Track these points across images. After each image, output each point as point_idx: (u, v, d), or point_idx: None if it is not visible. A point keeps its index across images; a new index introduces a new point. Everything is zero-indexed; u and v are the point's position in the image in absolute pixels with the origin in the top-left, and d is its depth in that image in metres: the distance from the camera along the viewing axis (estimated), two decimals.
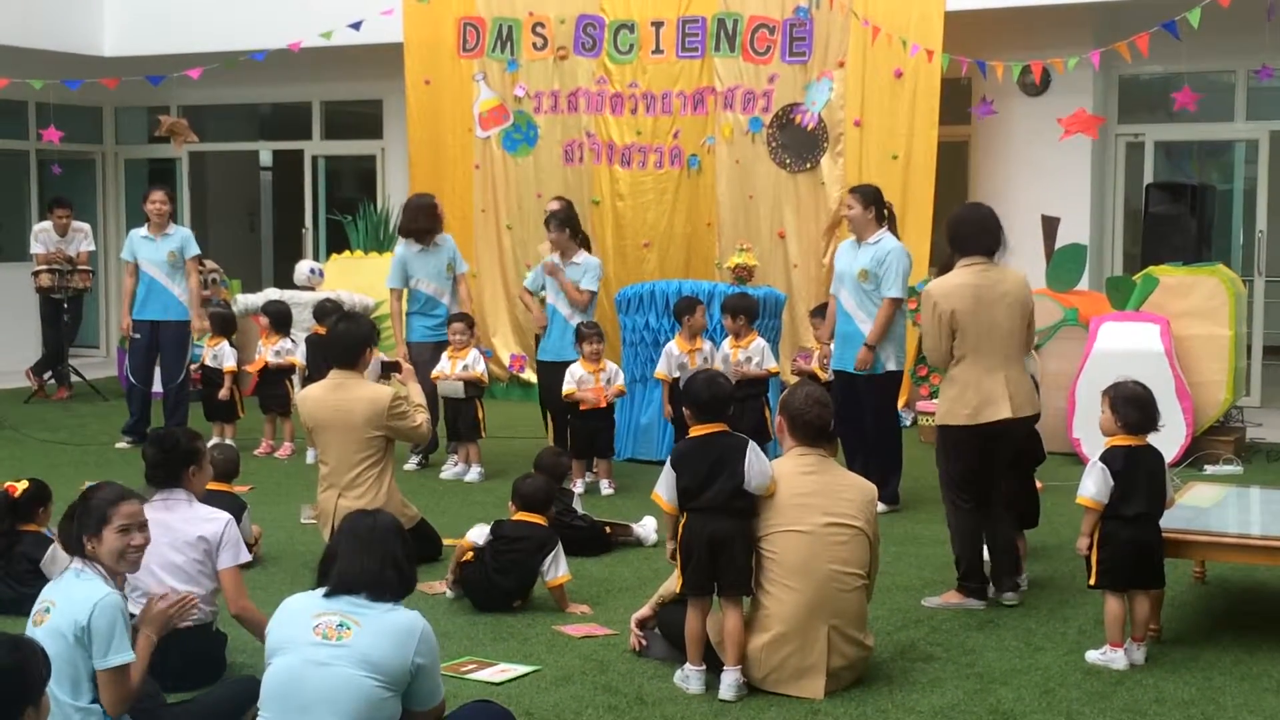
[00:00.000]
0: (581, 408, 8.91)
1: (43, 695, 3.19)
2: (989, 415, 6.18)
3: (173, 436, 5.34)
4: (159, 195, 10.47)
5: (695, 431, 5.34)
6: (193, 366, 10.70)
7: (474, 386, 9.35)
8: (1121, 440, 5.70)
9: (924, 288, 6.67)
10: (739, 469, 5.17)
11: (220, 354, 10.44)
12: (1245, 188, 13.44)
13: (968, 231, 6.36)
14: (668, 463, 5.32)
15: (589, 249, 9.82)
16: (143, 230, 10.53)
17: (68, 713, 4.18)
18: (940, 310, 6.24)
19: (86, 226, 13.42)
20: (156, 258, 10.42)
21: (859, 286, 8.18)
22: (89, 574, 4.35)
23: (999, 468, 6.33)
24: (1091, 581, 5.70)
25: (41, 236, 13.10)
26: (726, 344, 9.06)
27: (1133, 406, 5.71)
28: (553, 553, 6.26)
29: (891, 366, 8.22)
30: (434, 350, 9.61)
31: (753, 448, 5.25)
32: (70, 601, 4.25)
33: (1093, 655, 5.60)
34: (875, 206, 8.21)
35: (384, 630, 4.00)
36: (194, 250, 10.56)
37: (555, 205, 10.25)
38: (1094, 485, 5.63)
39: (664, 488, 5.29)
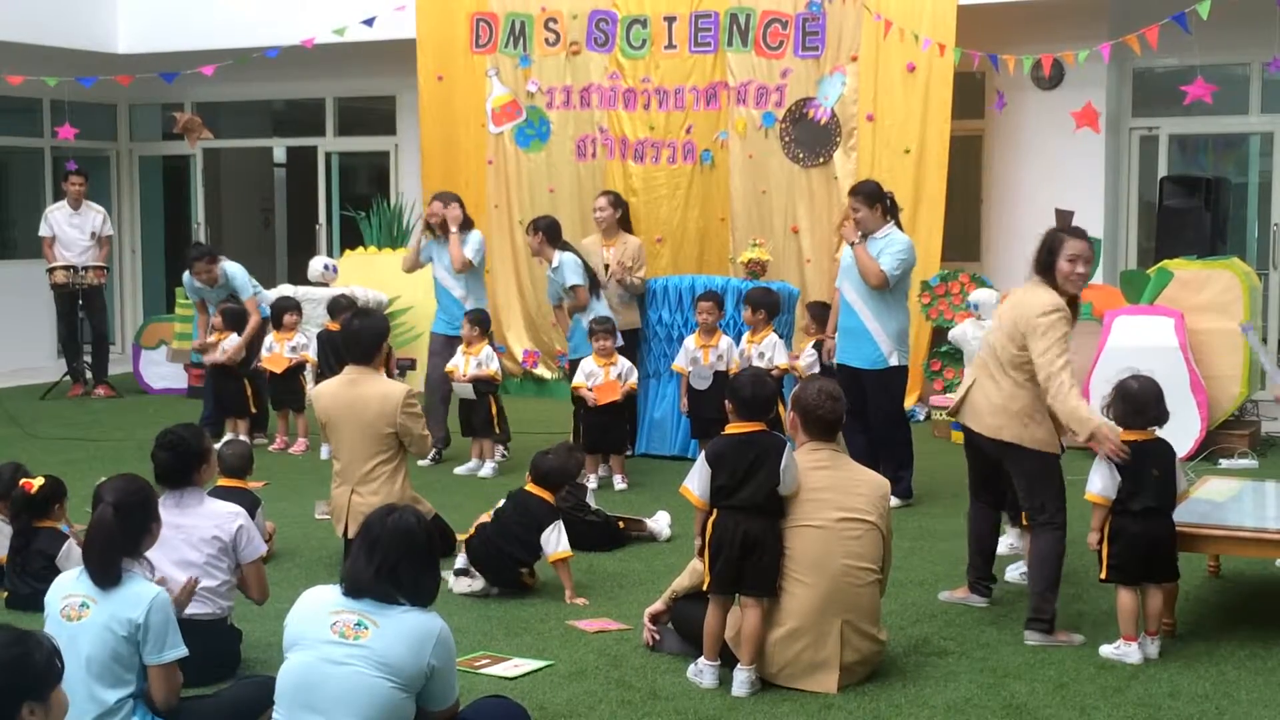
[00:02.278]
0: (598, 401, 8.90)
1: (52, 692, 3.16)
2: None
3: (182, 440, 5.36)
4: (204, 265, 10.61)
5: (733, 429, 5.33)
6: (206, 355, 10.73)
7: (487, 383, 9.36)
8: (1129, 435, 5.68)
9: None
10: (776, 469, 5.17)
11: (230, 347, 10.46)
12: (1260, 181, 13.38)
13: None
14: (701, 458, 5.30)
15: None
16: (197, 282, 10.74)
17: (105, 707, 4.23)
18: None
19: (104, 210, 13.45)
20: (218, 301, 10.74)
21: (862, 280, 8.18)
22: (133, 572, 4.39)
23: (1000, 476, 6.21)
24: (1103, 576, 5.70)
25: (51, 217, 13.08)
26: (744, 339, 9.07)
27: (1129, 402, 5.71)
28: (551, 527, 6.35)
29: (895, 361, 8.22)
30: (444, 342, 9.67)
31: (789, 449, 5.25)
32: (119, 599, 4.31)
33: (1106, 649, 5.60)
34: (880, 203, 8.23)
35: (401, 632, 4.00)
36: (248, 293, 10.80)
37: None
38: (1100, 481, 5.64)
39: (696, 483, 5.27)
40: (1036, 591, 5.83)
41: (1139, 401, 5.73)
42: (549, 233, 9.47)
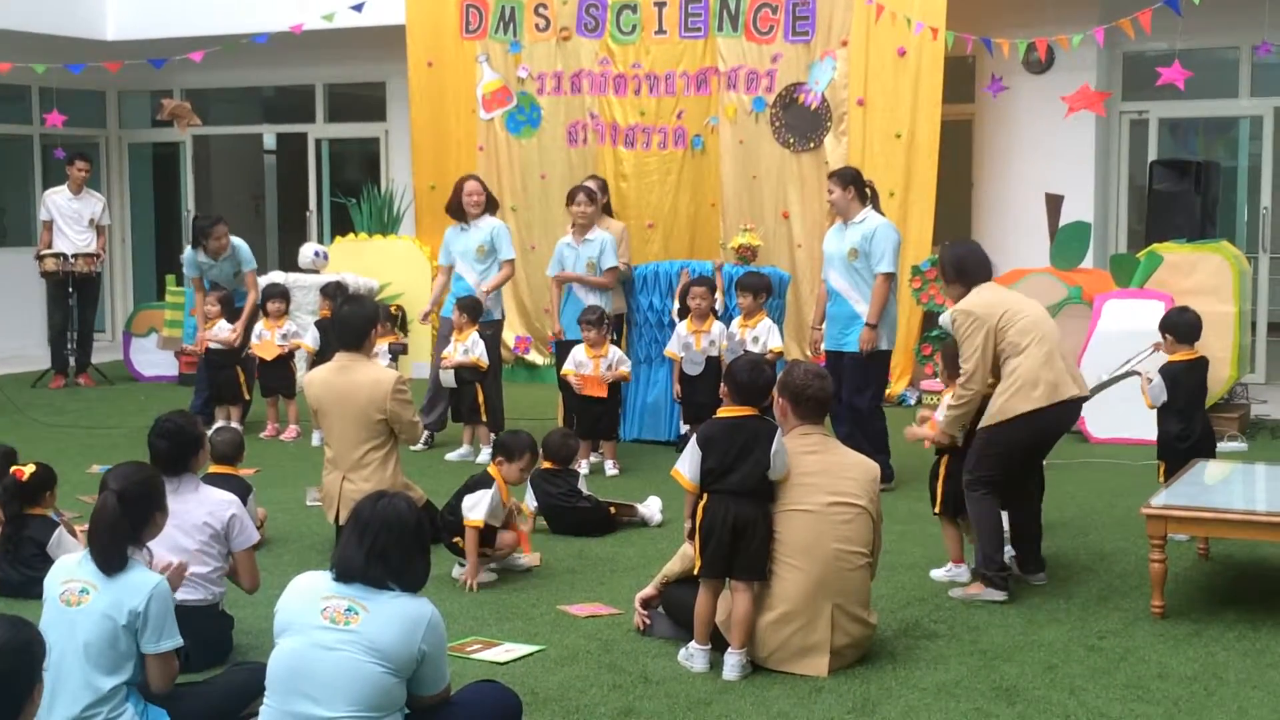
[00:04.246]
0: (582, 392, 8.91)
1: (42, 675, 3.21)
2: None
3: (179, 427, 5.37)
4: (222, 230, 10.59)
5: (725, 412, 5.34)
6: (189, 347, 10.73)
7: (471, 370, 9.36)
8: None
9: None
10: (767, 454, 5.18)
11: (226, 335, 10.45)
12: (1250, 164, 13.41)
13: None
14: (693, 441, 5.32)
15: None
16: (200, 254, 10.65)
17: (100, 693, 4.24)
18: None
19: (103, 199, 13.45)
20: (221, 277, 10.69)
21: (849, 266, 8.22)
22: (135, 560, 4.40)
23: None
24: (937, 510, 6.45)
25: (50, 200, 13.01)
26: (735, 323, 9.08)
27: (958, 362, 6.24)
28: (479, 493, 6.39)
29: (883, 345, 8.25)
30: (453, 328, 9.70)
31: (779, 434, 5.26)
32: (119, 586, 4.31)
33: (938, 573, 6.43)
34: (854, 187, 8.27)
35: (391, 617, 4.00)
36: (251, 266, 10.76)
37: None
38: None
39: (687, 466, 5.28)
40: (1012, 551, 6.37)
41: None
42: (605, 206, 9.51)
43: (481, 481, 6.48)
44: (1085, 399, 6.28)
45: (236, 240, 10.75)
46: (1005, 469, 6.19)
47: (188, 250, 10.83)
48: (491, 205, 9.84)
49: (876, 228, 8.18)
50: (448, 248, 9.83)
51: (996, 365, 6.17)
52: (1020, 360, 6.08)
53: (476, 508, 6.34)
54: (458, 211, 9.74)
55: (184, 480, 5.30)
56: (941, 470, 6.41)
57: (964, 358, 6.16)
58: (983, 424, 6.19)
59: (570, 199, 9.59)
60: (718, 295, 9.36)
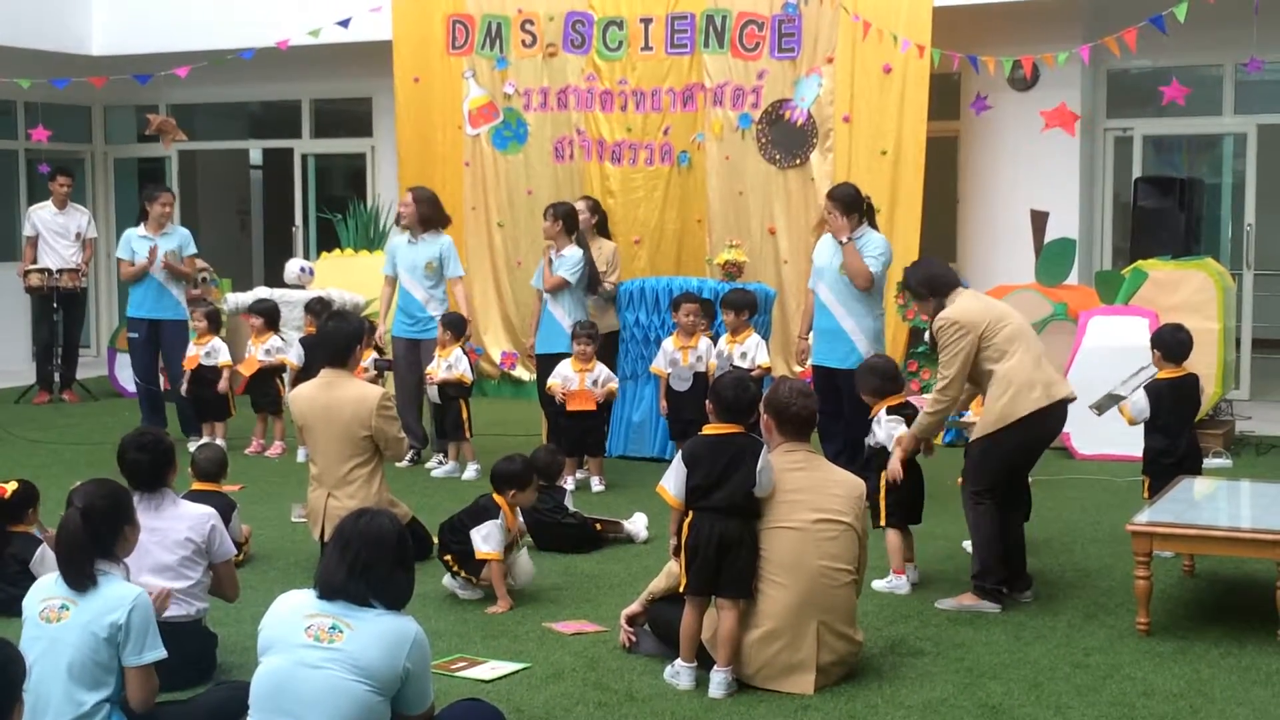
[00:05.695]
0: (568, 407, 8.89)
1: (21, 695, 3.19)
2: None
3: (154, 438, 5.34)
4: (169, 198, 10.58)
5: (711, 430, 5.34)
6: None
7: (455, 386, 9.35)
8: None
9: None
10: (753, 471, 5.18)
11: (214, 350, 10.43)
12: (1233, 181, 13.46)
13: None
14: (678, 458, 5.32)
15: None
16: (140, 229, 10.55)
17: (83, 709, 4.22)
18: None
19: (88, 212, 13.43)
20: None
21: (839, 280, 8.22)
22: (111, 575, 4.38)
23: None
24: (881, 523, 6.52)
25: (35, 216, 13.00)
26: (723, 340, 9.08)
27: (875, 375, 6.74)
28: (484, 525, 6.29)
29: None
30: (406, 346, 9.67)
31: (765, 451, 5.25)
32: (99, 600, 4.30)
33: (880, 584, 6.45)
34: (856, 211, 8.25)
35: (375, 635, 3.99)
36: (191, 250, 10.69)
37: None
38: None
39: (672, 482, 5.28)
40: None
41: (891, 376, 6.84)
42: (567, 220, 9.47)
43: (487, 510, 6.42)
44: (1098, 408, 6.47)
45: (184, 230, 10.73)
46: (1006, 476, 6.28)
47: (129, 232, 10.64)
48: (442, 220, 9.80)
49: (870, 241, 8.21)
50: (393, 258, 9.84)
51: (974, 374, 6.24)
52: (1009, 365, 6.16)
53: (488, 540, 6.28)
54: (404, 224, 9.79)
55: (164, 496, 5.27)
56: (882, 482, 6.53)
57: (944, 363, 6.23)
58: (980, 433, 6.23)
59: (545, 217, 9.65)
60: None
